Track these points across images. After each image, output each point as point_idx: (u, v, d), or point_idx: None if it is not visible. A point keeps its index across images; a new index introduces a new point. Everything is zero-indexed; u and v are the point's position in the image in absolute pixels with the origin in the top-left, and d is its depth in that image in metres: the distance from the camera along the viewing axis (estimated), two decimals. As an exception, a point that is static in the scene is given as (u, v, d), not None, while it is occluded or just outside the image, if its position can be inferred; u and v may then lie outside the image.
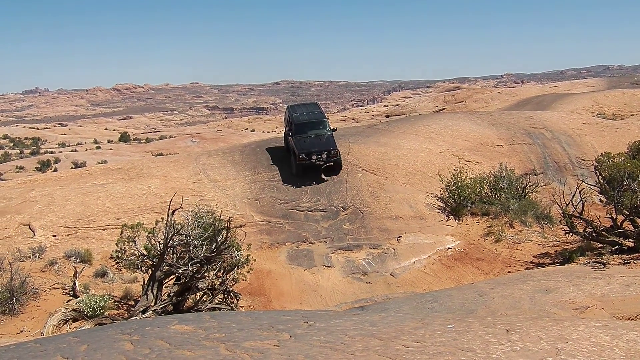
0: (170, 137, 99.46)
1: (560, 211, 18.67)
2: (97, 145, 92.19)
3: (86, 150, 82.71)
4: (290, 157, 25.44)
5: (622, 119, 45.57)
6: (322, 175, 24.32)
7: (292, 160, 24.76)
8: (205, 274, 14.64)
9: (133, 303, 14.84)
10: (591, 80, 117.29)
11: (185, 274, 14.02)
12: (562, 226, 19.93)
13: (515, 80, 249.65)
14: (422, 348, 5.58)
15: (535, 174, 28.22)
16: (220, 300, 15.07)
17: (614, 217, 17.65)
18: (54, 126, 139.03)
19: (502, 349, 5.49)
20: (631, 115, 49.98)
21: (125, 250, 14.39)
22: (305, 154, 23.94)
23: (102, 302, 14.01)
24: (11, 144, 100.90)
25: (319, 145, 24.43)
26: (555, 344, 5.64)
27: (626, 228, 17.48)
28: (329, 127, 25.84)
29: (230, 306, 15.08)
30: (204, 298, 14.71)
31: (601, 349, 5.59)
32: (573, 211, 18.34)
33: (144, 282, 14.22)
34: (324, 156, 24.08)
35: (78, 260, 17.80)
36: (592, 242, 18.00)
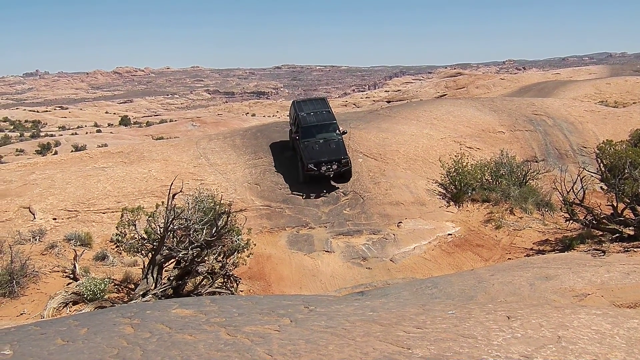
0: (170, 121, 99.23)
1: (561, 198, 18.66)
2: (98, 128, 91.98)
3: (86, 133, 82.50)
4: (296, 157, 24.01)
5: (624, 106, 45.42)
6: (332, 183, 23.01)
7: (300, 166, 23.14)
8: (206, 258, 14.67)
9: (133, 286, 14.86)
10: (593, 68, 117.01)
11: (186, 258, 14.03)
12: (562, 213, 19.94)
13: (517, 66, 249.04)
14: (423, 334, 5.58)
15: (536, 161, 28.17)
16: (220, 284, 15.11)
17: (615, 205, 17.63)
18: (55, 109, 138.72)
19: (503, 336, 5.49)
20: (633, 103, 49.82)
21: (126, 234, 14.40)
22: (314, 164, 22.26)
23: (102, 285, 14.03)
24: (11, 127, 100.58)
25: (329, 154, 22.63)
26: (556, 331, 5.63)
27: (627, 216, 17.47)
28: (339, 130, 24.02)
29: (230, 290, 15.11)
30: (204, 282, 14.73)
31: (602, 337, 5.58)
32: (574, 198, 18.33)
33: (144, 266, 14.23)
34: (334, 166, 22.40)
35: (78, 243, 17.82)
36: (592, 230, 18.00)
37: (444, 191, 23.42)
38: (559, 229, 20.30)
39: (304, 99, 27.32)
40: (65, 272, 15.55)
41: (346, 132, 24.60)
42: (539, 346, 5.22)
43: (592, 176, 21.29)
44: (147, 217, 14.26)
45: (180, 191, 14.81)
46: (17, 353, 5.73)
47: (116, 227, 14.74)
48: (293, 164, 23.96)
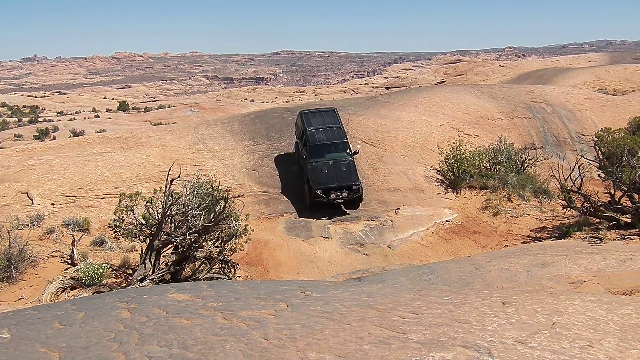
0: (169, 106, 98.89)
1: (559, 186, 18.72)
2: (96, 114, 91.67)
3: (85, 119, 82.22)
4: (301, 173, 22.41)
5: (623, 94, 45.43)
6: (342, 208, 21.18)
7: (306, 189, 21.39)
8: (203, 244, 14.70)
9: (131, 272, 14.90)
10: (593, 55, 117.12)
11: (183, 244, 14.06)
12: (560, 201, 20.00)
13: (517, 53, 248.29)
14: (418, 319, 5.61)
15: (534, 148, 28.21)
16: (217, 269, 15.15)
17: (612, 193, 17.68)
18: (53, 94, 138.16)
19: (497, 321, 5.51)
20: (632, 90, 49.84)
21: (124, 219, 14.43)
22: (322, 190, 20.56)
23: (100, 270, 14.07)
24: (9, 112, 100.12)
25: (339, 179, 20.84)
26: (550, 317, 5.66)
27: (624, 204, 17.51)
28: (350, 149, 22.12)
29: (227, 276, 15.15)
30: (201, 267, 14.77)
31: (596, 323, 5.62)
32: (571, 186, 18.37)
33: (142, 251, 14.26)
34: (345, 194, 20.65)
35: (76, 228, 17.84)
36: (589, 217, 18.06)
37: (442, 178, 23.46)
38: (556, 216, 20.36)
39: (312, 110, 24.40)
40: (64, 257, 15.59)
41: (357, 152, 22.64)
42: (533, 332, 5.25)
43: (590, 164, 21.32)
44: (145, 202, 14.29)
45: (178, 177, 14.84)
46: (15, 336, 5.76)
47: (114, 212, 14.77)
48: (299, 180, 22.57)
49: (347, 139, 22.42)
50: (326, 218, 20.68)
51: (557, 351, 4.85)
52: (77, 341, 5.48)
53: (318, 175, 20.94)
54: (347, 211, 21.19)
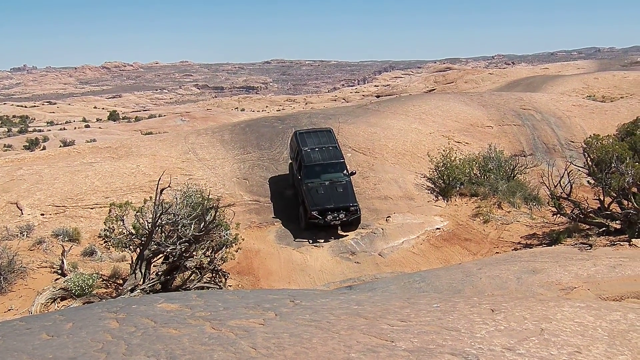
0: (159, 116, 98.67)
1: (549, 193, 18.78)
2: (86, 123, 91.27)
3: (75, 128, 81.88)
4: (296, 196, 21.74)
5: (611, 101, 45.66)
6: (339, 231, 20.42)
7: (301, 211, 20.70)
8: (194, 253, 14.68)
9: (121, 282, 14.85)
10: (582, 62, 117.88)
11: (174, 253, 14.03)
12: (550, 207, 20.08)
13: (506, 61, 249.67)
14: (406, 327, 5.61)
15: (524, 155, 28.31)
16: (208, 279, 15.12)
17: (602, 199, 17.77)
18: (43, 104, 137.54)
19: (486, 329, 5.53)
20: (621, 97, 50.07)
21: (114, 229, 14.37)
22: (318, 211, 19.82)
23: (90, 280, 14.01)
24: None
25: (336, 199, 20.18)
26: (539, 324, 5.68)
27: (613, 210, 17.60)
28: (347, 170, 21.46)
29: (218, 285, 15.12)
30: (192, 277, 14.74)
31: (584, 329, 5.64)
32: (561, 193, 18.44)
33: (132, 261, 14.22)
34: (342, 215, 19.91)
35: (66, 239, 17.75)
36: (579, 224, 18.13)
37: (433, 185, 23.49)
38: (547, 223, 20.42)
39: (307, 130, 23.67)
40: (53, 268, 15.51)
41: (355, 173, 22.15)
42: (522, 338, 5.27)
43: (580, 170, 21.40)
44: (135, 212, 14.26)
45: (169, 186, 14.82)
46: (2, 347, 5.73)
47: (104, 222, 14.70)
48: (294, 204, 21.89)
49: (343, 159, 21.81)
50: (322, 241, 19.93)
51: (546, 358, 4.87)
52: (64, 352, 5.46)
53: (314, 196, 20.24)
54: (345, 233, 20.40)
